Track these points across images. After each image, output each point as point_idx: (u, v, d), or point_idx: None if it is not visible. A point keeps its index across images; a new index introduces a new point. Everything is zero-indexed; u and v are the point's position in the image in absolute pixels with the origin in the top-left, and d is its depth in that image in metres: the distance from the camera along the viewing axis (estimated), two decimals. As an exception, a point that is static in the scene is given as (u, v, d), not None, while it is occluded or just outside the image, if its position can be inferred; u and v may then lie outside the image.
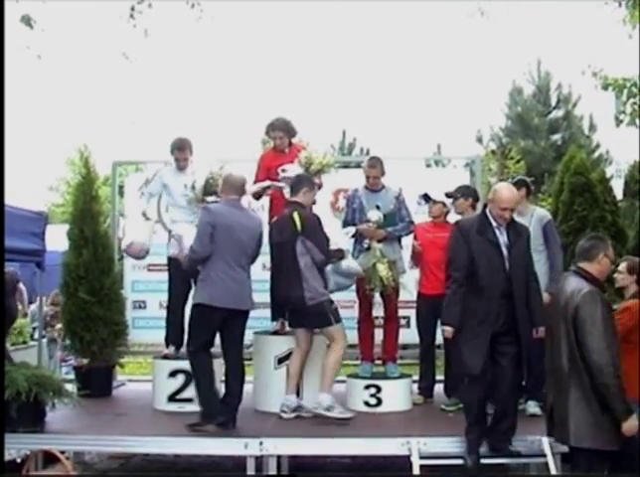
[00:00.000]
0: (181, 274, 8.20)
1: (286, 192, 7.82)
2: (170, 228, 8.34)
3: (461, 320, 6.25)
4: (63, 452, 6.57)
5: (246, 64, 56.46)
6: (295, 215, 7.24)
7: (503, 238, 6.26)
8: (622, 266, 6.69)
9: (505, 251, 6.23)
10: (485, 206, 6.45)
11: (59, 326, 11.33)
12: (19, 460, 7.60)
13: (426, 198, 8.19)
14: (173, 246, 8.19)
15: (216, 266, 6.86)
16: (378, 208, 7.88)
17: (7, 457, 7.87)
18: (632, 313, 6.27)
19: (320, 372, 7.36)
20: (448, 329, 6.32)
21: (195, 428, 6.85)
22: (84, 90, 44.63)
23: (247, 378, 8.53)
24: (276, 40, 53.47)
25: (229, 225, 6.89)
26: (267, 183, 8.07)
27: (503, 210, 6.21)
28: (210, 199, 8.14)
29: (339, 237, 7.73)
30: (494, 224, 6.27)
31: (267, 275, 8.32)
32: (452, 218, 8.26)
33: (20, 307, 12.05)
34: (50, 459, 6.84)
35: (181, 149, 8.29)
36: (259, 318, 8.99)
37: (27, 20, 8.02)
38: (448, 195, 8.04)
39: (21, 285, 11.93)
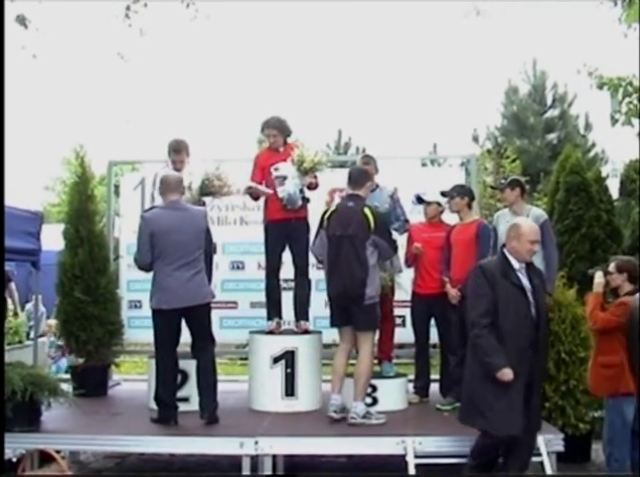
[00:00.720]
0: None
1: (280, 190, 7.82)
2: None
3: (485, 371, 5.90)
4: (58, 452, 6.58)
5: (242, 63, 56.47)
6: (367, 210, 7.21)
7: (525, 282, 6.01)
8: (612, 267, 6.77)
9: (530, 296, 5.96)
10: (503, 246, 6.23)
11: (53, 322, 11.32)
12: (14, 459, 7.60)
13: (420, 200, 8.20)
14: None
15: (160, 271, 7.09)
16: (376, 207, 7.88)
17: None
18: (627, 308, 6.35)
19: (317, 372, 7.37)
20: (508, 371, 5.78)
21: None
22: (80, 90, 44.60)
23: (243, 377, 8.57)
24: (272, 39, 53.51)
25: (164, 229, 7.03)
26: (250, 184, 8.09)
27: (532, 243, 6.04)
28: (206, 199, 8.15)
29: None
30: (516, 266, 6.02)
31: (263, 275, 8.36)
32: (448, 218, 8.29)
33: (11, 306, 12.06)
34: (45, 459, 6.83)
35: (177, 151, 8.29)
36: (255, 317, 9.05)
37: (22, 20, 8.01)
38: (444, 194, 8.05)
39: (12, 285, 11.91)
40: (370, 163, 8.13)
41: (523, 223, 6.26)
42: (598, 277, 6.77)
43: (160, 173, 8.30)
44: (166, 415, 7.17)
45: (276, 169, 7.89)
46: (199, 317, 7.14)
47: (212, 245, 8.36)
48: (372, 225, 7.16)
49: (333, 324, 7.48)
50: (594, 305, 6.71)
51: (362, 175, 7.52)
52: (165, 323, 7.14)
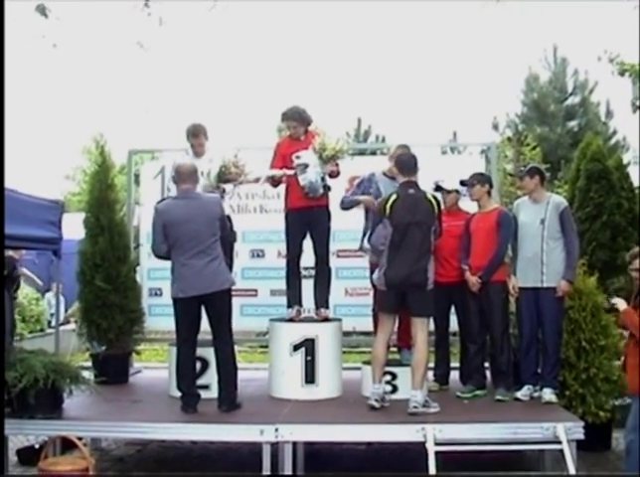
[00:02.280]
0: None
1: (302, 178, 7.83)
2: None
3: None
4: (80, 438, 6.61)
5: (262, 52, 56.43)
6: (430, 196, 7.29)
7: None
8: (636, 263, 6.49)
9: None
10: None
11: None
12: (37, 446, 7.71)
13: (438, 188, 8.17)
14: None
15: (176, 261, 7.17)
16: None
17: (25, 443, 8.01)
18: None
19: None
20: None
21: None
22: (100, 79, 44.65)
23: (263, 365, 8.60)
24: (292, 27, 53.45)
25: (175, 219, 7.11)
26: (273, 172, 8.10)
27: None
28: (227, 187, 8.15)
29: None
30: None
31: (283, 263, 8.37)
32: (466, 206, 8.26)
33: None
34: (67, 445, 6.89)
35: (195, 135, 8.30)
36: (275, 305, 9.07)
37: (42, 9, 8.04)
38: (464, 183, 8.02)
39: (24, 270, 11.81)
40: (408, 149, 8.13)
41: None
42: (621, 304, 6.53)
43: (177, 161, 8.33)
44: (186, 403, 7.20)
45: (298, 157, 7.89)
46: (216, 305, 7.16)
47: (233, 234, 8.36)
48: (436, 210, 7.25)
49: (384, 310, 7.45)
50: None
51: (414, 161, 7.49)
52: (183, 311, 7.19)
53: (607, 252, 10.05)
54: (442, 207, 7.65)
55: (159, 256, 7.37)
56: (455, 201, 8.17)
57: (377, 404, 7.12)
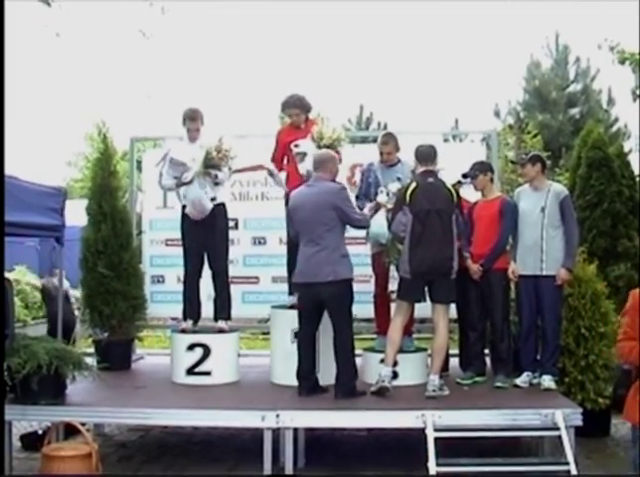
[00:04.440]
0: (194, 249, 8.30)
1: (301, 167, 7.87)
2: (183, 202, 8.32)
3: None
4: (83, 424, 6.66)
5: (263, 38, 56.25)
6: (449, 185, 7.37)
7: None
8: None
9: None
10: None
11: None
12: (40, 432, 7.77)
13: (465, 176, 8.14)
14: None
15: (299, 246, 7.37)
16: (399, 179, 7.89)
17: (28, 429, 8.06)
18: None
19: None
20: None
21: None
22: (102, 66, 44.56)
23: (265, 352, 8.64)
24: (295, 15, 53.34)
25: (295, 206, 7.38)
26: (270, 169, 8.31)
27: None
28: (218, 173, 8.15)
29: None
30: None
31: (284, 250, 8.42)
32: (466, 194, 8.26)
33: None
34: (70, 431, 6.96)
35: (193, 119, 8.30)
36: (277, 292, 9.11)
37: (45, -2, 8.05)
38: (466, 175, 8.03)
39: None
40: (389, 142, 8.11)
41: None
42: None
43: (173, 148, 8.35)
44: (305, 389, 7.27)
45: (296, 146, 7.93)
46: (324, 294, 7.16)
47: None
48: (455, 199, 7.30)
49: (408, 298, 7.47)
50: None
51: (433, 151, 7.53)
52: (300, 296, 7.48)
53: (608, 240, 10.04)
54: None
55: (293, 239, 7.67)
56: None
57: (389, 385, 7.15)
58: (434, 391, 7.07)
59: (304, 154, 7.87)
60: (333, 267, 7.15)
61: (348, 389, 7.17)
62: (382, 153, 8.13)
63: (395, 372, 7.64)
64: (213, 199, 8.19)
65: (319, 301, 7.20)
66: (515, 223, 7.73)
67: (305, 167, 7.83)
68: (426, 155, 7.49)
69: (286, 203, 8.20)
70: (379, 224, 7.67)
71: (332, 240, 7.19)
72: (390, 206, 7.65)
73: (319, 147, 7.83)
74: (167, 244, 9.77)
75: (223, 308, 8.38)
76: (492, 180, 8.05)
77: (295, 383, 7.51)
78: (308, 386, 7.28)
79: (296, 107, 8.24)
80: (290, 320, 7.80)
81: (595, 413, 7.59)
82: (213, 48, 53.06)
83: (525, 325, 7.68)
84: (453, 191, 7.33)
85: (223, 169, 8.11)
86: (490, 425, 6.52)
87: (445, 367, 8.23)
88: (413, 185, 7.36)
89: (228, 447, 8.00)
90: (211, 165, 8.04)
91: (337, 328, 7.23)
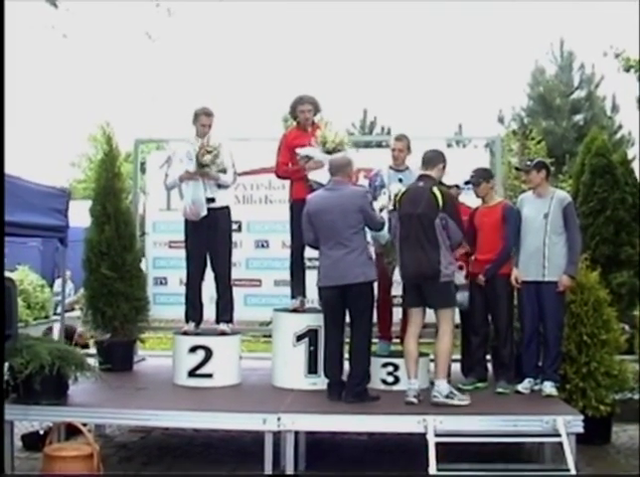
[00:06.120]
0: (197, 251, 8.31)
1: (310, 175, 7.90)
2: (182, 202, 8.33)
3: None
4: (84, 425, 6.68)
5: (267, 42, 56.33)
6: (436, 189, 7.22)
7: None
8: None
9: None
10: None
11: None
12: (42, 432, 7.77)
13: (467, 182, 8.15)
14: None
15: (320, 250, 7.39)
16: (400, 181, 7.90)
17: (30, 429, 8.07)
18: None
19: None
20: None
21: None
22: (106, 68, 44.65)
23: (266, 355, 8.64)
24: (298, 18, 53.35)
25: (315, 210, 7.34)
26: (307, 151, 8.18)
27: None
28: (223, 176, 8.18)
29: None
30: None
31: (287, 253, 8.43)
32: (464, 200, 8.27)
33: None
34: (72, 431, 6.97)
35: (209, 114, 8.33)
36: (279, 296, 9.12)
37: (52, 0, 8.07)
38: (469, 182, 8.03)
39: None
40: (402, 139, 8.17)
41: None
42: None
43: (177, 150, 8.36)
44: (331, 393, 7.28)
45: (302, 150, 7.96)
46: (351, 296, 7.20)
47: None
48: (440, 203, 7.16)
49: (406, 305, 7.51)
50: None
51: (435, 156, 7.49)
52: (324, 300, 7.42)
53: (610, 247, 10.07)
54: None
55: (308, 244, 7.68)
56: (456, 196, 8.19)
57: (415, 401, 7.05)
58: (436, 397, 6.98)
59: (309, 158, 7.89)
60: (362, 269, 7.19)
61: (358, 392, 7.17)
62: (393, 150, 8.17)
63: (395, 376, 7.65)
64: (212, 200, 8.19)
65: (344, 302, 7.25)
66: (518, 228, 7.73)
67: (315, 175, 7.87)
68: (426, 159, 7.47)
69: (291, 208, 8.22)
70: None
71: (359, 243, 7.25)
72: (390, 207, 7.67)
73: (326, 152, 7.84)
74: (170, 246, 9.77)
75: (225, 311, 8.38)
76: (492, 187, 8.06)
77: (296, 386, 7.54)
78: (339, 390, 7.27)
79: (310, 104, 8.27)
80: (292, 323, 7.83)
81: (597, 421, 7.57)
82: (217, 51, 53.18)
83: (527, 331, 7.68)
84: (439, 195, 7.17)
85: (212, 167, 8.10)
86: (491, 431, 6.50)
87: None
88: (403, 189, 7.43)
89: (228, 450, 8.01)
90: (202, 164, 8.05)
91: (357, 329, 7.27)
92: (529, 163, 8.01)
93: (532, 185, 7.85)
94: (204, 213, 8.12)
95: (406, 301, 7.50)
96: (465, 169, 8.11)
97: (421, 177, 7.41)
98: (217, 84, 49.57)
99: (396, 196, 7.46)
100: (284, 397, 7.35)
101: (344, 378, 7.35)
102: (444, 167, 7.52)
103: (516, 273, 7.68)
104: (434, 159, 7.46)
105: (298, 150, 8.00)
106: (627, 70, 9.75)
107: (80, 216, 9.24)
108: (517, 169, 10.91)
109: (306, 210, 7.41)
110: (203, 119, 8.32)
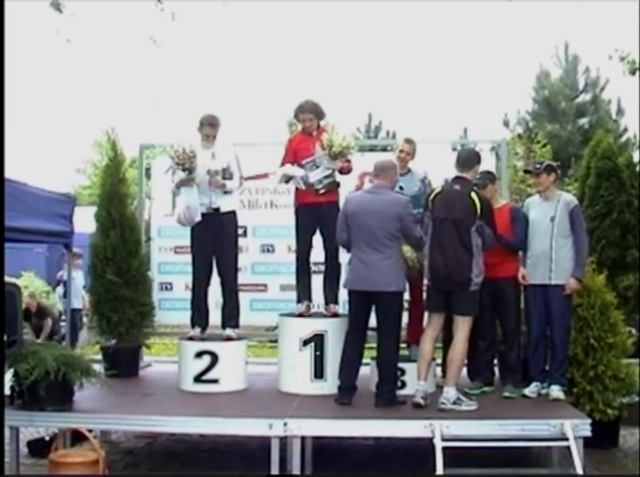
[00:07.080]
0: (202, 257, 8.30)
1: (312, 175, 7.89)
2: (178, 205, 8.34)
3: None
4: (90, 431, 6.66)
5: (272, 46, 56.39)
6: (474, 195, 7.10)
7: None
8: None
9: None
10: None
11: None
12: (47, 438, 7.77)
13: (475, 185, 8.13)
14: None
15: (353, 251, 7.31)
16: (401, 188, 7.88)
17: (36, 435, 8.06)
18: None
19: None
20: None
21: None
22: (111, 73, 44.77)
23: (272, 360, 8.63)
24: (302, 22, 53.43)
25: (353, 211, 7.26)
26: (286, 170, 8.14)
27: None
28: (228, 183, 8.19)
29: None
30: None
31: (293, 258, 8.41)
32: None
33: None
34: (77, 437, 6.97)
35: (213, 126, 8.32)
36: (285, 300, 9.11)
37: (56, 5, 8.08)
38: (476, 184, 8.01)
39: None
40: (411, 143, 8.20)
41: None
42: None
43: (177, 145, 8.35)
44: (342, 397, 7.26)
45: (281, 169, 8.02)
46: (381, 304, 7.15)
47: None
48: (478, 210, 7.08)
49: (429, 308, 7.45)
50: None
51: (471, 157, 7.42)
52: (351, 302, 7.38)
53: (617, 250, 10.04)
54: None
55: (340, 244, 7.62)
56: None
57: (422, 402, 7.03)
58: (444, 404, 6.94)
59: (314, 163, 7.89)
60: (395, 278, 7.13)
61: (388, 398, 7.13)
62: (401, 151, 8.18)
63: (402, 381, 7.63)
64: (216, 209, 8.20)
65: (370, 308, 7.21)
66: (526, 229, 7.71)
67: (317, 176, 7.87)
68: (463, 160, 7.37)
69: (296, 212, 8.21)
70: None
71: (395, 250, 7.19)
72: None
73: (329, 155, 7.83)
74: (176, 252, 9.77)
75: (231, 316, 8.37)
76: (497, 189, 8.07)
77: (302, 391, 7.52)
78: (351, 395, 7.25)
79: (310, 112, 8.23)
80: (298, 328, 7.81)
81: (604, 424, 7.54)
82: (222, 55, 53.26)
83: (534, 335, 7.66)
84: (477, 201, 7.08)
85: (192, 168, 8.06)
86: (498, 435, 6.47)
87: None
88: (438, 190, 7.34)
89: (235, 455, 7.99)
90: (183, 168, 8.05)
91: (385, 337, 7.21)
92: (538, 166, 7.99)
93: (541, 188, 7.83)
94: (198, 218, 8.12)
95: (430, 305, 7.43)
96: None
97: (457, 179, 7.30)
98: (222, 89, 49.66)
99: (428, 196, 7.41)
100: (290, 402, 7.33)
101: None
102: (479, 168, 7.48)
103: (523, 272, 7.65)
104: (471, 160, 7.39)
105: (278, 170, 8.02)
106: (632, 73, 9.74)
107: (85, 222, 9.26)
108: (526, 172, 10.88)
109: (344, 209, 7.36)
110: (207, 130, 8.32)
